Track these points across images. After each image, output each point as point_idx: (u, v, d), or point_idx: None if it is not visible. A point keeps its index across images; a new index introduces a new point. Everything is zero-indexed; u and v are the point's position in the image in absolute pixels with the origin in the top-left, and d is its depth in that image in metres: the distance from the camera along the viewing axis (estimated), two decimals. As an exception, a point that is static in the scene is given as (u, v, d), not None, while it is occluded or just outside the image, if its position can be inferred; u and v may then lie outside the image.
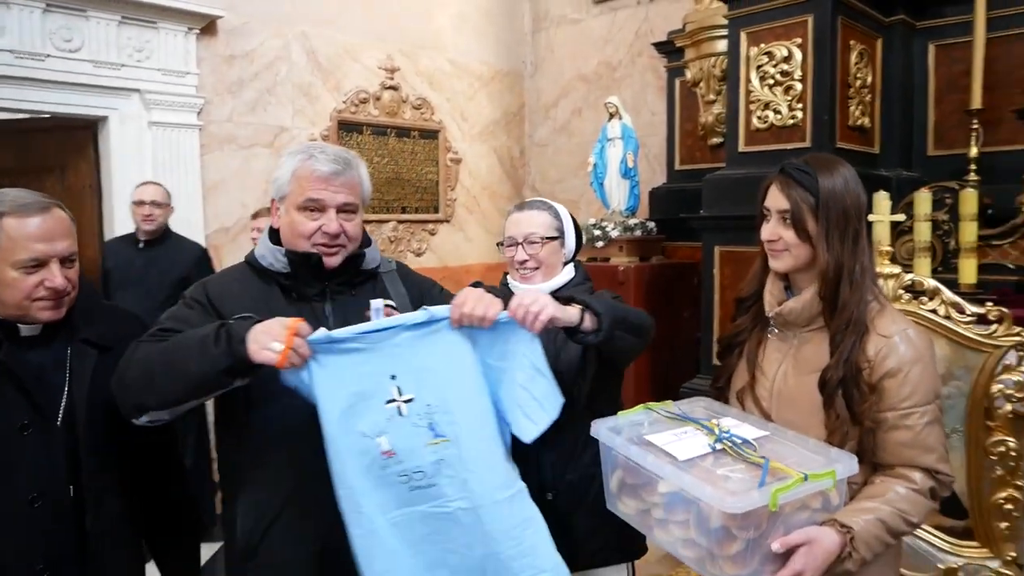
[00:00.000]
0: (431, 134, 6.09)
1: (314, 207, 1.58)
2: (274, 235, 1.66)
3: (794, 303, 1.53)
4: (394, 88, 5.79)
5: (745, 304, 1.69)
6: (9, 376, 1.47)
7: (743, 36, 3.83)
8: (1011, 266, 3.35)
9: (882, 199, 2.87)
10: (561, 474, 1.84)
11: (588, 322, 1.57)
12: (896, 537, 1.42)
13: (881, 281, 2.64)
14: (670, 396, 1.72)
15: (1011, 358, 2.45)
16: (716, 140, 4.82)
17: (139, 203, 3.84)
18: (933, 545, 2.58)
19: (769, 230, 1.55)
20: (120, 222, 4.34)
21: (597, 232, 4.64)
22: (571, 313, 1.55)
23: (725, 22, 4.01)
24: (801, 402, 1.50)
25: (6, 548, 1.45)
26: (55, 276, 1.48)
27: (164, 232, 3.95)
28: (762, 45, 3.75)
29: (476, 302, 1.47)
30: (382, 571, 1.44)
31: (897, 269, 2.68)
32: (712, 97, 4.79)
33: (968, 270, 3.13)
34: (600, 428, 1.52)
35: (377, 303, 1.51)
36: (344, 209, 1.60)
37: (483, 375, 1.52)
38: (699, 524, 1.29)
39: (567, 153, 6.53)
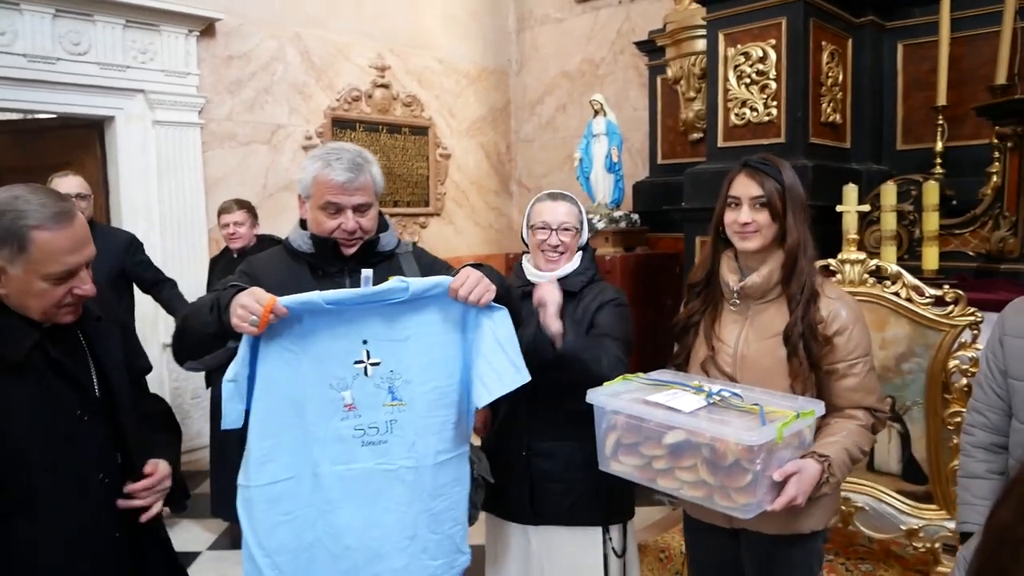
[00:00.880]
0: (421, 130, 6.28)
1: (333, 209, 1.80)
2: (303, 222, 1.90)
3: (756, 277, 1.78)
4: (385, 86, 5.97)
5: (695, 289, 1.93)
6: (57, 369, 1.49)
7: (721, 37, 4.04)
8: (971, 253, 3.58)
9: (850, 191, 3.08)
10: (540, 437, 2.08)
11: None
12: (855, 463, 1.72)
13: (848, 267, 2.88)
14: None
15: (966, 336, 2.69)
16: (696, 135, 5.04)
17: None
18: (896, 508, 2.82)
19: (745, 215, 1.77)
20: (127, 217, 4.51)
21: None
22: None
23: (704, 23, 4.22)
24: (763, 362, 1.76)
25: (88, 528, 1.51)
26: (85, 283, 1.50)
27: (90, 224, 3.88)
28: (739, 46, 3.95)
29: (475, 285, 1.67)
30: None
31: (863, 255, 2.90)
32: (692, 94, 5.00)
33: (931, 257, 3.36)
34: (597, 395, 1.73)
35: (367, 272, 1.71)
36: (359, 208, 1.82)
37: (459, 345, 1.73)
38: (711, 464, 1.53)
39: (552, 148, 6.74)
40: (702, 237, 4.12)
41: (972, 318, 2.66)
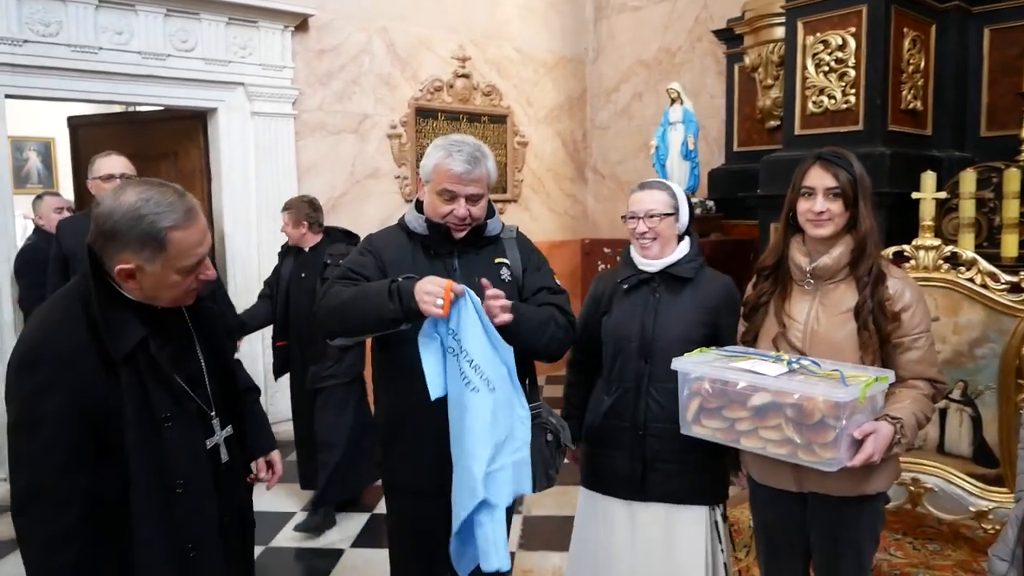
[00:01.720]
0: (500, 119, 6.46)
1: (448, 196, 1.98)
2: (419, 204, 2.09)
3: (827, 259, 1.91)
4: (465, 76, 6.17)
5: (764, 272, 2.06)
6: (153, 369, 1.53)
7: (800, 25, 4.07)
8: (1053, 241, 3.54)
9: (927, 178, 3.11)
10: (656, 419, 2.15)
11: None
12: (920, 428, 1.85)
13: (922, 252, 2.93)
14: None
15: (1042, 322, 2.71)
16: (773, 123, 5.07)
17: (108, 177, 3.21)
18: (966, 490, 2.86)
19: (820, 204, 1.89)
20: (227, 202, 4.85)
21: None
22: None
23: (783, 10, 4.25)
24: (834, 336, 1.89)
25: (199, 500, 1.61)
26: (209, 268, 1.61)
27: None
28: (818, 34, 3.99)
29: (500, 306, 1.83)
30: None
31: (938, 242, 2.93)
32: (770, 82, 5.02)
33: (1010, 244, 3.36)
34: (683, 363, 1.90)
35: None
36: (471, 198, 1.99)
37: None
38: (796, 423, 1.70)
39: (627, 136, 6.82)
40: (777, 223, 4.17)
41: (1049, 305, 2.68)
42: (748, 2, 5.10)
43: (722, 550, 2.22)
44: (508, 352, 1.83)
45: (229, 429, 1.77)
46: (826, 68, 3.96)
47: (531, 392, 2.06)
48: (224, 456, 1.73)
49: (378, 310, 1.80)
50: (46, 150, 8.46)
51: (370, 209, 5.58)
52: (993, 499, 2.80)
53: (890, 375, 1.79)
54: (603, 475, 2.26)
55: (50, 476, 1.41)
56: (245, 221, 4.98)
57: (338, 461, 3.69)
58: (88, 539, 1.44)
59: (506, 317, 1.82)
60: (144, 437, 1.50)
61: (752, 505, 2.17)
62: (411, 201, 2.29)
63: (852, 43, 3.86)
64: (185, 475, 1.58)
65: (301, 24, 5.10)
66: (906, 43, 3.93)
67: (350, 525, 3.77)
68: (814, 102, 4.01)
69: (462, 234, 2.02)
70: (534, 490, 1.95)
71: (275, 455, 2.00)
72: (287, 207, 3.84)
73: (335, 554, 3.49)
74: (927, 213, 3.05)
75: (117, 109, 5.89)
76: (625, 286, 2.22)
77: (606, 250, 5.69)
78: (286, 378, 4.03)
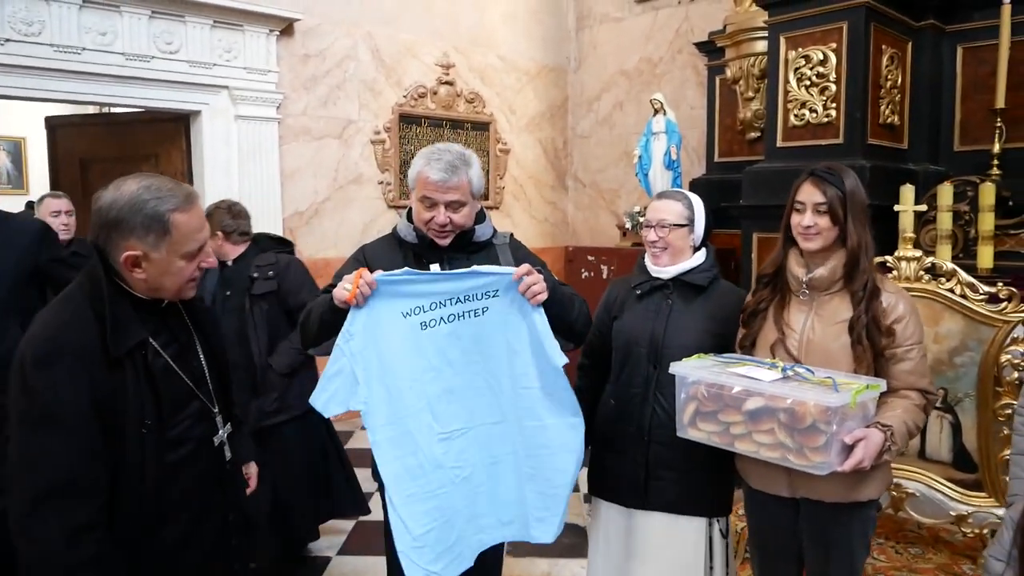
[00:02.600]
0: (482, 126, 6.49)
1: (428, 203, 2.02)
2: (410, 213, 2.12)
3: (822, 271, 1.97)
4: (449, 83, 6.19)
5: (763, 280, 2.12)
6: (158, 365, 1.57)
7: (782, 40, 4.16)
8: (1026, 253, 3.66)
9: (907, 191, 3.19)
10: (662, 426, 2.15)
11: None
12: (911, 437, 1.91)
13: (904, 263, 3.01)
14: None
15: (1019, 331, 2.80)
16: (754, 135, 5.15)
17: None
18: (946, 495, 2.94)
19: (808, 219, 1.96)
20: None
21: (642, 219, 4.99)
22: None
23: (764, 24, 4.33)
24: (828, 346, 1.95)
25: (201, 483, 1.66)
26: (209, 255, 1.64)
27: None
28: (800, 49, 4.07)
29: (536, 282, 1.86)
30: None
31: (918, 253, 3.01)
32: (751, 94, 5.10)
33: (985, 256, 3.46)
34: (682, 367, 1.94)
35: (434, 267, 1.99)
36: (451, 205, 2.02)
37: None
38: (788, 427, 1.74)
39: (608, 144, 6.89)
40: (760, 233, 4.25)
41: (1025, 314, 2.77)
42: (730, 16, 5.18)
43: (711, 567, 2.20)
44: (558, 354, 1.88)
45: (230, 427, 1.78)
46: (808, 82, 4.05)
47: None
48: (228, 454, 1.75)
49: (322, 304, 1.91)
50: (16, 149, 8.34)
51: (353, 215, 5.58)
52: (972, 503, 2.88)
53: (881, 383, 1.84)
54: (608, 480, 2.29)
55: (73, 468, 1.41)
56: (227, 225, 4.93)
57: (297, 524, 3.22)
58: (105, 531, 1.45)
59: (543, 295, 1.87)
60: (150, 433, 1.51)
61: (746, 510, 2.21)
62: (394, 207, 2.36)
63: (833, 58, 3.95)
64: (191, 472, 1.60)
65: (287, 28, 5.09)
66: (884, 59, 4.03)
67: (335, 533, 3.74)
68: (796, 115, 4.09)
69: (445, 241, 2.05)
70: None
71: (252, 467, 2.02)
72: (207, 215, 3.19)
73: (324, 561, 3.48)
74: (907, 225, 3.14)
75: (92, 110, 5.83)
76: (638, 292, 2.25)
77: (590, 258, 5.73)
78: None
